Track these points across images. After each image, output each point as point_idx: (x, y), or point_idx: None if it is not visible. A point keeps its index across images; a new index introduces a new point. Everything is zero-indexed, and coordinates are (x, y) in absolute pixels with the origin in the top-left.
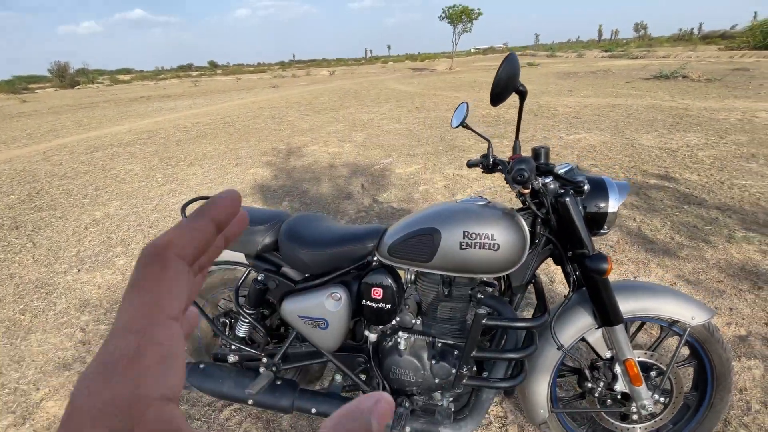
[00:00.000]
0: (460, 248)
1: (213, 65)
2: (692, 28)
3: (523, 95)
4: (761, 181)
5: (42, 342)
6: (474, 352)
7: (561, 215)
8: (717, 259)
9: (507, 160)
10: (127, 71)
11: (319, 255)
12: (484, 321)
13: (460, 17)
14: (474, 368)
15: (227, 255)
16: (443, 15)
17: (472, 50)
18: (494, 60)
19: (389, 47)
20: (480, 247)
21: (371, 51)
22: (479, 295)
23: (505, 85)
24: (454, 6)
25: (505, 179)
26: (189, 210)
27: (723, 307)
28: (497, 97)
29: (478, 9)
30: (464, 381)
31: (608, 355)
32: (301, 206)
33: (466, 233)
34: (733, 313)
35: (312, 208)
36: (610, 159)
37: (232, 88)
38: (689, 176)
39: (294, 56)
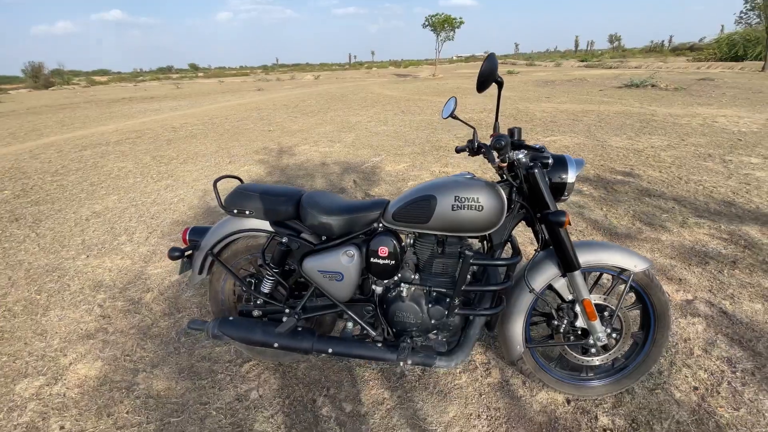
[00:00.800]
0: (452, 210)
1: (194, 68)
2: (663, 41)
3: (500, 85)
4: (715, 177)
5: (62, 317)
6: (464, 286)
7: (531, 184)
8: (671, 240)
9: (490, 138)
10: (104, 72)
11: (336, 220)
12: (471, 261)
13: (442, 25)
14: (462, 306)
15: (254, 223)
16: (426, 23)
17: (455, 58)
18: (476, 67)
19: (373, 53)
20: (468, 209)
21: (355, 56)
22: (467, 251)
23: (487, 76)
24: (436, 15)
25: (486, 155)
26: (221, 185)
27: (674, 278)
28: (481, 85)
29: (460, 18)
30: (456, 311)
31: (570, 298)
32: None
33: (457, 197)
34: (682, 283)
35: None
36: (581, 158)
37: (216, 90)
38: (651, 173)
39: (277, 60)
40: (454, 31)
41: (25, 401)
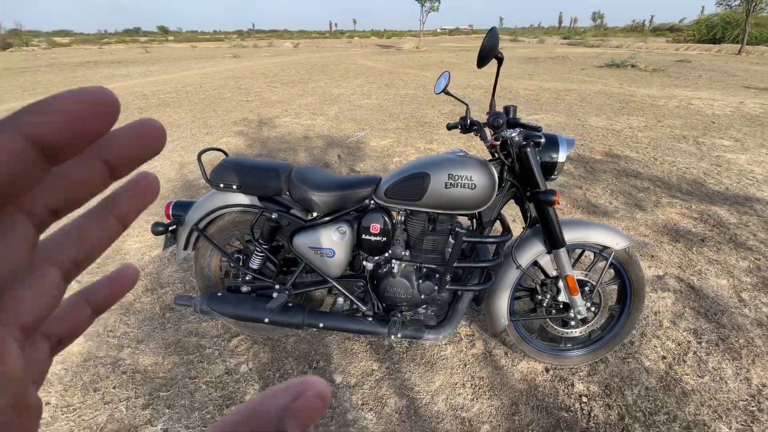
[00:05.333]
0: (445, 188)
1: (164, 31)
2: (644, 20)
3: (500, 61)
4: (688, 159)
5: None
6: (455, 263)
7: (523, 163)
8: (645, 219)
9: (486, 115)
10: (65, 33)
11: (327, 197)
12: (464, 238)
13: None
14: (452, 282)
15: (241, 198)
16: None
17: (439, 30)
18: (460, 41)
19: (355, 21)
20: (461, 187)
21: (336, 24)
22: (458, 229)
23: (488, 51)
24: None
25: (479, 133)
26: (205, 158)
27: (646, 255)
28: (482, 60)
29: None
30: (447, 286)
31: (554, 274)
32: None
33: (451, 175)
34: (653, 259)
35: None
36: (573, 137)
37: (188, 56)
38: (629, 153)
39: (253, 25)
40: (439, 2)
41: None
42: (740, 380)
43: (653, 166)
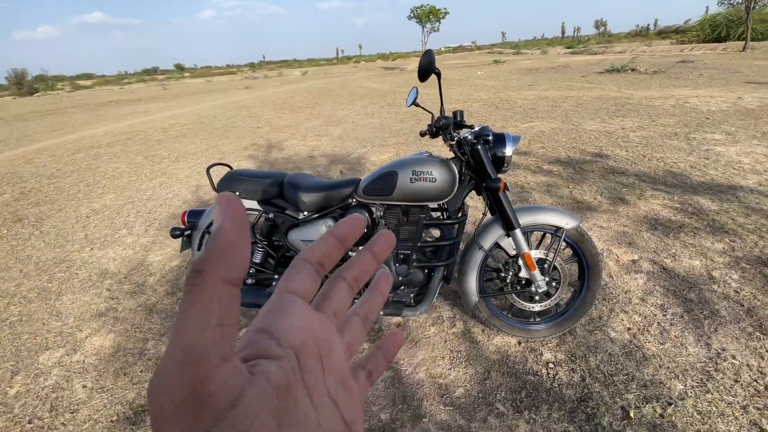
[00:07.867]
0: (411, 182)
1: (180, 68)
2: (648, 24)
3: (438, 75)
4: (676, 154)
5: (74, 300)
6: (421, 243)
7: (476, 158)
8: (627, 211)
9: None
10: (88, 76)
11: (315, 197)
12: (424, 221)
13: (428, 17)
14: (420, 261)
15: (244, 203)
16: (412, 15)
17: (443, 49)
18: (463, 58)
19: (360, 47)
20: (424, 180)
21: (342, 51)
22: (420, 215)
23: (426, 68)
24: (421, 6)
25: (442, 136)
26: (213, 172)
27: (624, 242)
28: (422, 75)
29: (445, 8)
30: (414, 264)
31: (513, 253)
32: None
33: (414, 171)
34: (631, 246)
35: None
36: (555, 142)
37: (203, 90)
38: (618, 152)
39: (264, 57)
40: (440, 22)
41: (49, 368)
42: (700, 346)
43: (641, 163)
